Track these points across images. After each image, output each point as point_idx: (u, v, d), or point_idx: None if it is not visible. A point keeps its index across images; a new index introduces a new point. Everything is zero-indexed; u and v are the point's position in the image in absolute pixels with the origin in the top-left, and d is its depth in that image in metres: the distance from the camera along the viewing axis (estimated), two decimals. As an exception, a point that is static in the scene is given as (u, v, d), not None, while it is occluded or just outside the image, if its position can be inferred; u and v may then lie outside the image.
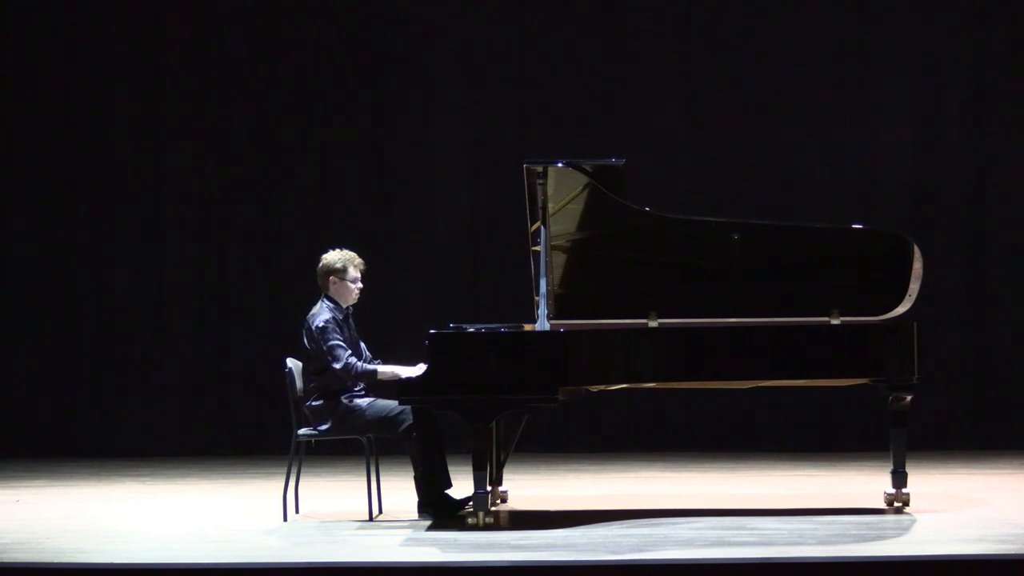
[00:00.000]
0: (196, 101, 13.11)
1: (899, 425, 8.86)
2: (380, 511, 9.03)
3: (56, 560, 7.67)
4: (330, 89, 13.08)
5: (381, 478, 9.03)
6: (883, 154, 12.88)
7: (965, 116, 12.86)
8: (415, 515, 8.91)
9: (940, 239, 12.54)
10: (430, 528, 8.60)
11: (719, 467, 11.64)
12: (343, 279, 9.04)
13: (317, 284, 9.11)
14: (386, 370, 8.93)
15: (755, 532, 8.28)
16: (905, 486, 8.93)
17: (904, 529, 8.40)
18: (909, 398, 8.87)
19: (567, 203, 9.04)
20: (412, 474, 8.94)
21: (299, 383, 8.97)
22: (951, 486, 10.29)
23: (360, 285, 9.10)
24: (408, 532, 8.47)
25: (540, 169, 8.88)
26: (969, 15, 12.86)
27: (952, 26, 12.86)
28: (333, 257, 9.07)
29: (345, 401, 8.90)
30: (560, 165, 8.96)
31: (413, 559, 7.70)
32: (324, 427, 8.92)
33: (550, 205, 8.92)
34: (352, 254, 9.08)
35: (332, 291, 9.05)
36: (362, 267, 9.10)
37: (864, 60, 12.90)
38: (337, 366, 8.84)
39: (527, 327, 9.29)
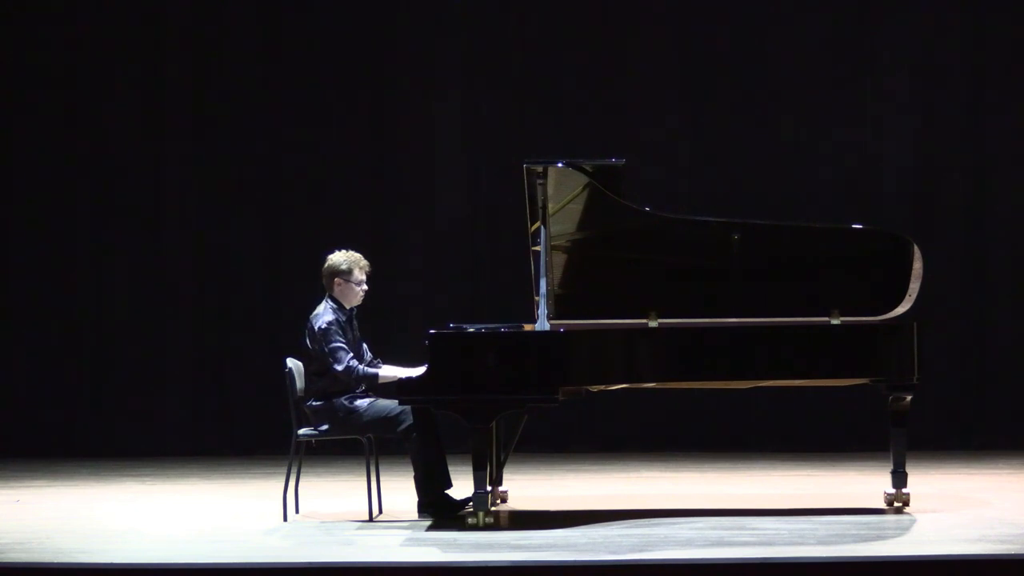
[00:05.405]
0: (196, 101, 13.10)
1: (899, 425, 8.86)
2: (380, 511, 9.03)
3: (56, 560, 7.67)
4: (330, 89, 13.07)
5: (381, 478, 9.04)
6: (883, 154, 12.88)
7: (965, 116, 12.86)
8: (415, 515, 8.90)
9: (940, 239, 12.54)
10: (430, 528, 8.60)
11: (719, 467, 11.64)
12: (348, 281, 9.02)
13: (319, 284, 9.11)
14: (387, 373, 8.93)
15: (755, 532, 8.28)
16: (905, 486, 8.92)
17: (904, 529, 8.40)
18: (909, 398, 8.87)
19: (567, 203, 9.04)
20: (412, 474, 8.94)
21: (299, 383, 8.96)
22: (951, 486, 10.29)
23: (365, 287, 9.09)
24: (408, 532, 8.47)
25: (540, 169, 8.87)
26: (969, 15, 12.86)
27: (952, 26, 12.85)
28: (339, 259, 9.05)
29: (345, 402, 8.89)
30: (560, 165, 8.96)
31: (413, 559, 7.70)
32: (324, 427, 8.91)
33: (550, 205, 8.91)
34: (358, 256, 9.07)
35: (336, 292, 9.04)
36: (368, 269, 9.09)
37: (864, 60, 12.90)
38: (339, 368, 8.83)
39: (527, 327, 9.29)
